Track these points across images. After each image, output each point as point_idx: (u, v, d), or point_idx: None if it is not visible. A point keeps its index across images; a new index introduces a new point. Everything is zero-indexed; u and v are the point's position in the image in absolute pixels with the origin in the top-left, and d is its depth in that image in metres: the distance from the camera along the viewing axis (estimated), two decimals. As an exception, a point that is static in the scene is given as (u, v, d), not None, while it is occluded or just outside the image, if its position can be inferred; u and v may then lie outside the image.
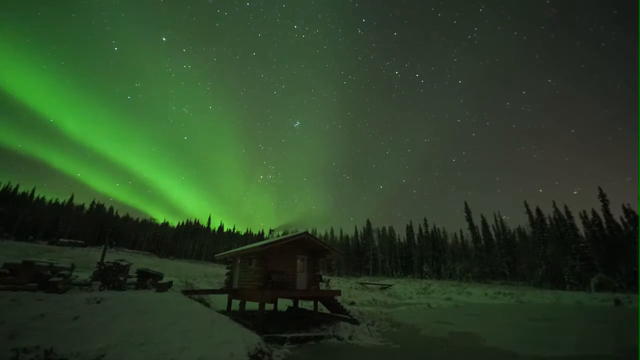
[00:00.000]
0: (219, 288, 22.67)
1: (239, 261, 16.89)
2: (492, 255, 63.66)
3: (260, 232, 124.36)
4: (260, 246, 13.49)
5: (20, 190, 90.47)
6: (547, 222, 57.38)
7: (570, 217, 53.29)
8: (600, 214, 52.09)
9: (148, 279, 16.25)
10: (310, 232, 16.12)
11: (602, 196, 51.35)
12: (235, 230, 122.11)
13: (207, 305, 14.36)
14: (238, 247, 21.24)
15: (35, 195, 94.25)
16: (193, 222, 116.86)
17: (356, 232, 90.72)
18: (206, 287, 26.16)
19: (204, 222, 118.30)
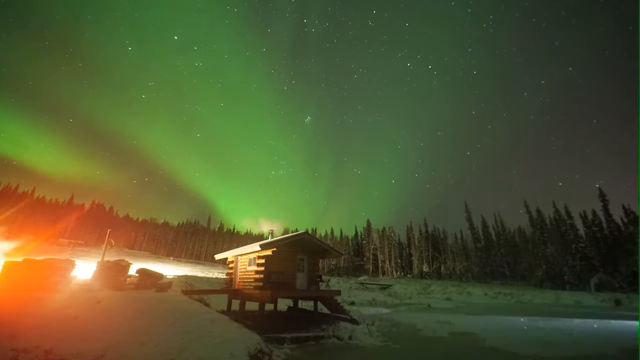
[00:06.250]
0: (219, 288, 22.66)
1: (239, 261, 16.88)
2: (492, 255, 63.64)
3: (260, 232, 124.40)
4: (260, 246, 13.49)
5: (20, 190, 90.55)
6: (547, 222, 57.36)
7: (570, 217, 53.29)
8: (600, 214, 52.11)
9: (148, 279, 16.24)
10: (310, 232, 16.13)
11: (602, 196, 51.35)
12: (235, 230, 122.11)
13: (207, 305, 14.35)
14: (238, 247, 21.24)
15: (36, 194, 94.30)
16: (193, 222, 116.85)
17: (356, 232, 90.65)
18: (206, 287, 26.14)
19: (204, 222, 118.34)
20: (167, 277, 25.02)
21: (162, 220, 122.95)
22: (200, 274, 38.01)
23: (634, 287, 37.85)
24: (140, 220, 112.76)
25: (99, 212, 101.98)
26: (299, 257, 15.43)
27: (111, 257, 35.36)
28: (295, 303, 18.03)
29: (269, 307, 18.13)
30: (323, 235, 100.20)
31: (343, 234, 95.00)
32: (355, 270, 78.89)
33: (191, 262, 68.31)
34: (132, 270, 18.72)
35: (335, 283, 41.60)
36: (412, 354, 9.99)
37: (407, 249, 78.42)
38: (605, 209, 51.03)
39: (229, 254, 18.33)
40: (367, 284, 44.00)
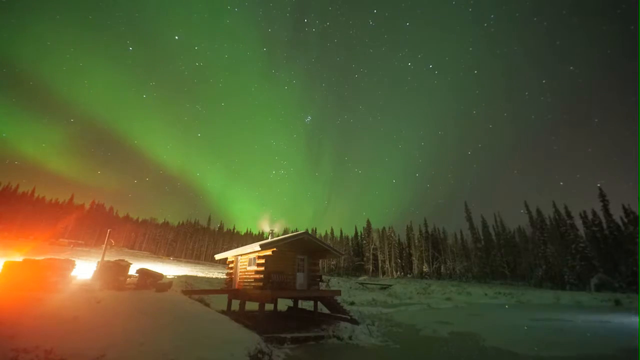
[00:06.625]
0: (219, 288, 22.66)
1: (239, 261, 16.88)
2: (492, 255, 63.63)
3: (260, 232, 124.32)
4: (260, 246, 13.49)
5: (20, 190, 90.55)
6: (547, 222, 57.35)
7: (570, 217, 53.28)
8: (600, 214, 52.10)
9: (148, 279, 16.23)
10: (310, 231, 16.11)
11: (602, 196, 51.34)
12: (235, 230, 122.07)
13: (207, 305, 14.35)
14: (238, 247, 21.26)
15: (36, 194, 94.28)
16: (193, 222, 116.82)
17: (356, 232, 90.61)
18: (206, 287, 26.14)
19: (204, 222, 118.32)
20: (167, 277, 25.00)
21: (162, 220, 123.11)
22: (200, 274, 38.00)
23: (634, 287, 37.85)
24: (140, 220, 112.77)
25: (99, 212, 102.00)
26: (299, 257, 15.43)
27: (111, 257, 35.34)
28: (295, 303, 18.03)
29: (269, 307, 18.14)
30: (323, 235, 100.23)
31: (343, 234, 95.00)
32: (355, 270, 78.86)
33: (191, 262, 68.28)
34: (132, 270, 18.72)
35: (335, 283, 41.58)
36: (413, 354, 9.99)
37: (407, 249, 78.42)
38: (605, 209, 51.02)
39: (229, 254, 18.33)
40: (367, 284, 43.98)
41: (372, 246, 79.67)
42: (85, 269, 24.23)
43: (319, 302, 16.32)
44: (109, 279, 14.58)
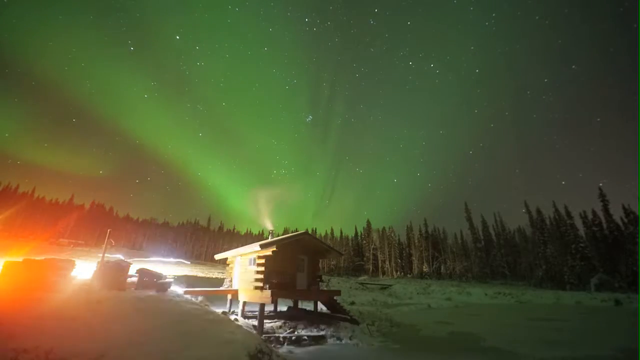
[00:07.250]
0: (219, 288, 22.66)
1: (239, 261, 16.88)
2: (492, 255, 63.65)
3: (260, 232, 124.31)
4: (260, 246, 13.49)
5: (20, 190, 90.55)
6: (547, 222, 57.36)
7: (570, 217, 53.29)
8: (600, 214, 52.11)
9: (148, 279, 16.21)
10: (310, 231, 16.11)
11: (602, 196, 51.34)
12: (235, 230, 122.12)
13: (207, 305, 14.34)
14: (238, 247, 21.26)
15: (36, 194, 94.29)
16: (193, 222, 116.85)
17: (356, 232, 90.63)
18: (206, 287, 26.13)
19: (204, 222, 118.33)
20: (167, 277, 25.00)
21: (163, 220, 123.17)
22: (200, 274, 38.00)
23: (634, 287, 37.86)
24: (140, 220, 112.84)
25: (99, 212, 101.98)
26: (299, 257, 15.42)
27: (111, 257, 35.32)
28: (295, 303, 18.03)
29: (269, 307, 18.13)
30: (323, 235, 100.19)
31: (343, 234, 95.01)
32: (355, 270, 78.85)
33: (191, 262, 68.29)
34: (132, 270, 18.69)
35: (335, 283, 41.58)
36: (412, 354, 9.98)
37: (407, 249, 78.42)
38: (605, 209, 51.02)
39: (229, 254, 18.33)
40: (367, 284, 43.96)
41: (372, 246, 79.68)
42: (85, 269, 24.20)
43: (319, 302, 16.31)
44: (109, 279, 14.56)
